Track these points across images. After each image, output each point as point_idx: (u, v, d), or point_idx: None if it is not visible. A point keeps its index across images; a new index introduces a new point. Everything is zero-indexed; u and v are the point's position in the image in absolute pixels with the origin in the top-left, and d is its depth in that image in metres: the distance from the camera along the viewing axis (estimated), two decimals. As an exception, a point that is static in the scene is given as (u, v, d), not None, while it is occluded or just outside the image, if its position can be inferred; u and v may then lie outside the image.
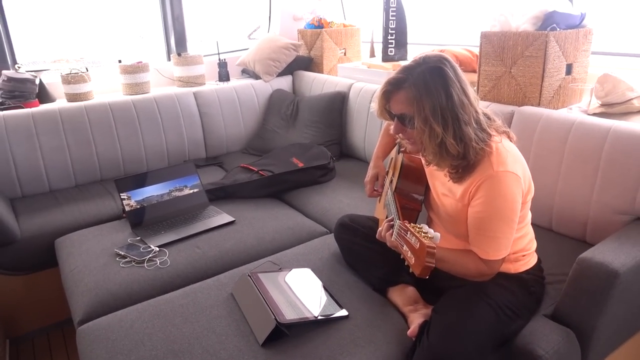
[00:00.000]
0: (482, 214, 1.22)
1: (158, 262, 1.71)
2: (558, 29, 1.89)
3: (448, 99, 1.18)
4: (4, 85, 2.53)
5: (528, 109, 1.89)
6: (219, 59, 3.19)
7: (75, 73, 2.69)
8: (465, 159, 1.22)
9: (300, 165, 2.38)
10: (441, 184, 1.38)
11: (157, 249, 1.79)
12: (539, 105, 1.94)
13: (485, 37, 2.07)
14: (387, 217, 1.43)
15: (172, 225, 1.98)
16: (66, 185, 2.47)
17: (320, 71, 3.18)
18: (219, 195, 2.25)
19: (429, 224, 1.51)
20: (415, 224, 1.14)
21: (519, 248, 1.36)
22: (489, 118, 1.31)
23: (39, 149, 2.38)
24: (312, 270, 1.59)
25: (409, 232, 1.11)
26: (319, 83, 2.98)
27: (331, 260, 1.67)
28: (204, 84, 3.11)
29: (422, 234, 1.07)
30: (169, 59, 3.30)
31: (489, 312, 1.24)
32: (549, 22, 1.91)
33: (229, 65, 3.21)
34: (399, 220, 1.20)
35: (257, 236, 1.89)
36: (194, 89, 2.92)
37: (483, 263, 1.24)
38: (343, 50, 3.25)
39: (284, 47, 3.16)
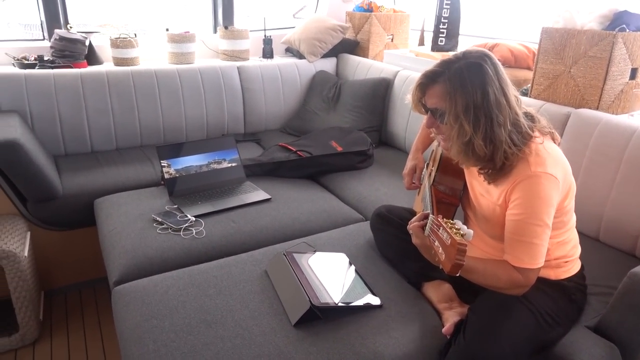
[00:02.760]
0: (518, 217, 1.16)
1: (194, 231, 1.73)
2: (627, 30, 1.79)
3: (484, 98, 1.13)
4: (56, 44, 2.57)
5: (586, 112, 1.80)
6: (265, 35, 3.17)
7: (124, 37, 2.72)
8: (492, 161, 1.17)
9: (339, 149, 2.35)
10: (479, 184, 1.33)
11: (194, 218, 1.80)
12: (597, 109, 1.85)
13: (546, 33, 1.98)
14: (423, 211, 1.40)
15: (208, 197, 1.99)
16: (107, 147, 2.52)
17: (366, 56, 3.12)
18: (255, 171, 2.25)
19: (466, 221, 1.47)
20: (450, 220, 1.10)
21: (561, 254, 1.30)
22: (532, 119, 1.24)
23: (84, 109, 2.42)
24: (347, 255, 1.58)
25: (441, 228, 1.06)
26: (364, 68, 2.93)
27: (366, 248, 1.65)
28: (248, 59, 3.10)
29: (455, 230, 1.02)
30: (215, 32, 3.30)
31: (528, 317, 1.20)
32: (618, 22, 1.81)
33: (273, 43, 3.19)
34: (433, 215, 1.16)
35: (292, 216, 1.88)
36: (238, 64, 2.91)
37: (517, 272, 1.16)
38: (390, 36, 3.17)
39: (331, 28, 3.11)
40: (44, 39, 2.82)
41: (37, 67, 2.47)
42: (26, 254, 1.83)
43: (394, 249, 1.56)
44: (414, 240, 1.19)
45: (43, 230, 2.05)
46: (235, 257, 1.59)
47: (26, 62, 2.49)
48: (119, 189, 2.12)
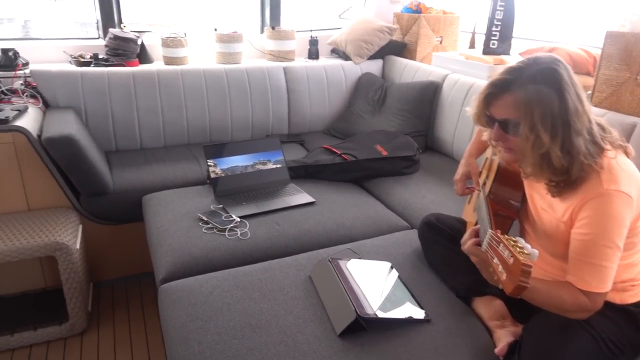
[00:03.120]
0: (587, 237, 1.09)
1: (239, 232, 1.73)
2: None
3: (561, 105, 1.05)
4: (110, 42, 2.65)
5: (654, 123, 1.69)
6: (311, 36, 3.16)
7: (174, 37, 2.77)
8: (568, 173, 1.10)
9: (385, 153, 2.31)
10: (540, 197, 1.26)
11: (238, 219, 1.80)
12: (666, 120, 1.73)
13: (611, 38, 1.87)
14: (476, 222, 1.34)
15: (253, 198, 1.99)
16: (156, 145, 2.57)
17: (413, 58, 3.06)
18: (299, 173, 2.24)
19: (523, 236, 1.40)
20: (509, 235, 1.04)
21: (628, 277, 1.22)
22: (603, 129, 1.16)
23: (135, 107, 2.48)
24: (392, 265, 1.54)
25: (501, 244, 1.00)
26: (411, 70, 2.87)
27: (413, 257, 1.61)
28: (294, 59, 3.10)
29: (518, 248, 0.96)
30: (262, 32, 3.31)
31: (591, 343, 1.13)
32: (693, 27, 1.69)
33: (319, 43, 3.17)
34: (491, 229, 1.10)
35: (337, 221, 1.86)
36: (284, 64, 2.91)
37: (584, 295, 1.08)
38: (439, 39, 3.10)
39: (378, 29, 3.06)
40: (98, 37, 2.91)
41: (92, 65, 2.55)
42: (78, 246, 1.89)
43: (443, 260, 1.51)
44: (472, 258, 1.13)
45: (93, 224, 2.12)
46: (279, 261, 1.58)
47: (82, 60, 2.58)
48: (166, 186, 2.16)
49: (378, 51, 3.09)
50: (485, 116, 1.17)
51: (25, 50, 2.55)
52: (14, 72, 2.38)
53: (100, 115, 2.41)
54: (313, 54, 3.16)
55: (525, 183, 1.34)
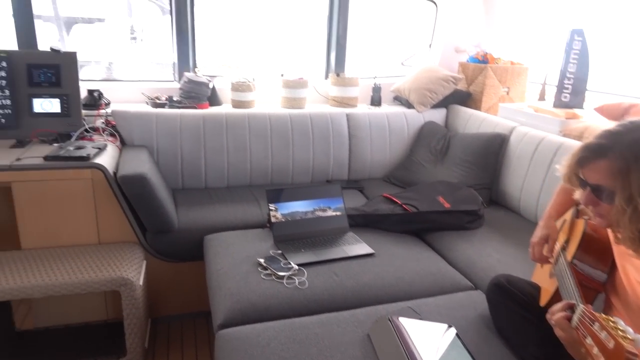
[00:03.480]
0: None
1: (297, 281, 1.72)
2: None
3: None
4: (184, 85, 2.81)
5: None
6: (374, 83, 3.20)
7: (243, 82, 2.89)
8: None
9: (447, 206, 2.24)
10: (635, 269, 1.15)
11: (297, 267, 1.79)
12: None
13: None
14: (555, 290, 1.25)
15: (311, 245, 1.98)
16: (219, 184, 2.65)
17: (478, 108, 3.01)
18: (358, 222, 2.22)
19: (609, 311, 1.28)
20: (603, 314, 0.95)
21: None
22: None
23: (203, 147, 2.58)
24: (456, 329, 1.46)
25: (596, 323, 0.92)
26: (476, 121, 2.82)
27: (478, 322, 1.52)
28: (356, 106, 3.14)
29: (619, 331, 0.88)
30: (326, 78, 3.40)
31: None
32: None
33: (382, 91, 3.20)
34: (582, 303, 1.02)
35: (397, 275, 1.80)
36: (347, 110, 2.95)
37: None
38: (506, 89, 3.04)
39: (443, 78, 3.05)
40: (174, 80, 3.10)
41: (166, 107, 2.70)
42: (141, 282, 1.94)
43: (513, 328, 1.42)
44: (558, 332, 1.05)
45: (156, 260, 2.18)
46: (337, 315, 1.54)
47: (158, 101, 2.74)
48: (228, 227, 2.20)
49: (442, 100, 3.07)
50: (577, 177, 1.11)
51: (107, 91, 2.75)
52: (97, 111, 2.56)
53: (170, 154, 2.53)
54: (376, 101, 3.18)
55: (616, 251, 1.24)
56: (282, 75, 3.05)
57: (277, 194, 2.10)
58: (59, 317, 2.11)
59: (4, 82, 2.25)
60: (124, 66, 3.89)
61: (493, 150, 2.53)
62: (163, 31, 3.07)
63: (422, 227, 2.20)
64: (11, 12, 2.60)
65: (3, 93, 2.25)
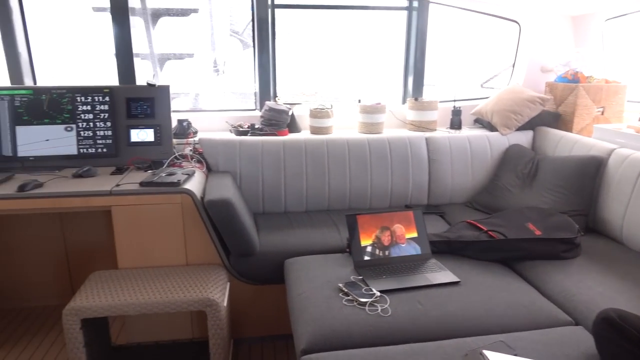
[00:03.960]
0: None
1: (379, 308, 1.67)
2: None
3: None
4: (265, 114, 2.91)
5: None
6: (454, 106, 3.12)
7: (321, 109, 2.95)
8: None
9: (538, 233, 2.10)
10: None
11: (379, 293, 1.75)
12: None
13: None
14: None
15: (393, 272, 1.93)
16: (298, 209, 2.69)
17: (569, 130, 2.82)
18: (441, 248, 2.14)
19: None
20: None
21: None
22: None
23: (283, 172, 2.64)
24: (557, 368, 1.33)
25: None
26: (567, 143, 2.64)
27: (582, 361, 1.38)
28: (435, 129, 3.07)
29: None
30: (404, 102, 3.37)
31: None
32: None
33: (462, 114, 3.12)
34: None
35: (485, 306, 1.70)
36: (427, 134, 2.89)
37: None
38: (601, 109, 2.83)
39: (529, 99, 2.91)
40: (255, 109, 3.23)
41: (249, 134, 2.81)
42: (225, 303, 2.00)
43: (624, 371, 1.27)
44: None
45: (239, 282, 2.23)
46: (422, 345, 1.48)
47: (241, 129, 2.86)
48: (307, 251, 2.21)
49: (528, 122, 2.92)
50: None
51: (195, 120, 2.92)
52: (186, 140, 2.72)
53: (252, 180, 2.61)
54: (456, 124, 3.10)
55: None
56: (359, 101, 3.07)
57: (356, 219, 2.08)
58: (150, 334, 2.21)
59: (106, 115, 2.47)
60: (208, 97, 4.13)
61: (589, 174, 2.35)
62: (243, 63, 3.24)
63: (510, 255, 2.07)
64: (114, 52, 2.88)
65: (105, 125, 2.47)
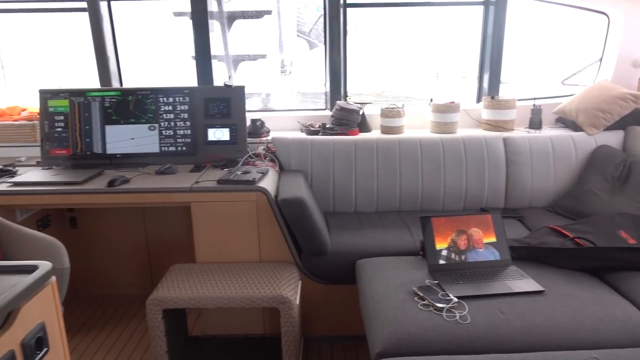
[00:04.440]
0: None
1: (457, 315, 1.61)
2: None
3: None
4: (336, 113, 2.91)
5: None
6: (534, 105, 2.96)
7: (392, 108, 2.90)
8: None
9: (632, 242, 1.94)
10: None
11: (456, 299, 1.69)
12: None
13: None
14: None
15: (470, 277, 1.86)
16: (368, 209, 2.66)
17: (667, 129, 2.58)
18: (521, 255, 2.03)
19: None
20: None
21: None
22: None
23: (354, 172, 2.63)
24: (661, 391, 1.22)
25: None
26: (666, 144, 2.42)
27: (691, 386, 1.25)
28: (513, 129, 2.93)
29: None
30: (478, 101, 3.25)
31: None
32: None
33: (542, 113, 2.95)
34: None
35: (574, 318, 1.59)
36: (504, 134, 2.76)
37: None
38: None
39: (619, 97, 2.70)
40: (325, 108, 3.24)
41: (320, 134, 2.82)
42: (297, 301, 2.02)
43: None
44: None
45: (311, 282, 2.25)
46: (506, 357, 1.41)
47: (312, 129, 2.88)
48: (379, 253, 2.18)
49: (618, 121, 2.70)
50: None
51: (267, 120, 2.97)
52: (259, 139, 2.78)
53: (323, 179, 2.62)
54: (535, 124, 2.93)
55: None
56: (431, 100, 2.99)
57: (431, 221, 2.02)
58: (223, 327, 2.28)
59: (185, 115, 2.58)
60: (277, 97, 4.21)
61: (692, 179, 2.14)
62: (309, 63, 3.25)
63: (600, 265, 1.93)
64: (192, 55, 3.00)
65: (185, 124, 2.58)
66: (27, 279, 0.99)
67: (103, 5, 2.91)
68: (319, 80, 3.28)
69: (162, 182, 2.24)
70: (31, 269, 1.04)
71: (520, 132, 2.84)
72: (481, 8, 3.12)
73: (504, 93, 3.17)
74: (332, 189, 2.63)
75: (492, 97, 2.97)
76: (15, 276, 1.02)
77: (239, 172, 2.30)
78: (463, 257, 1.96)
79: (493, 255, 1.98)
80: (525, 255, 2.03)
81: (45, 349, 1.01)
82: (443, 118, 2.89)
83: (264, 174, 2.33)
